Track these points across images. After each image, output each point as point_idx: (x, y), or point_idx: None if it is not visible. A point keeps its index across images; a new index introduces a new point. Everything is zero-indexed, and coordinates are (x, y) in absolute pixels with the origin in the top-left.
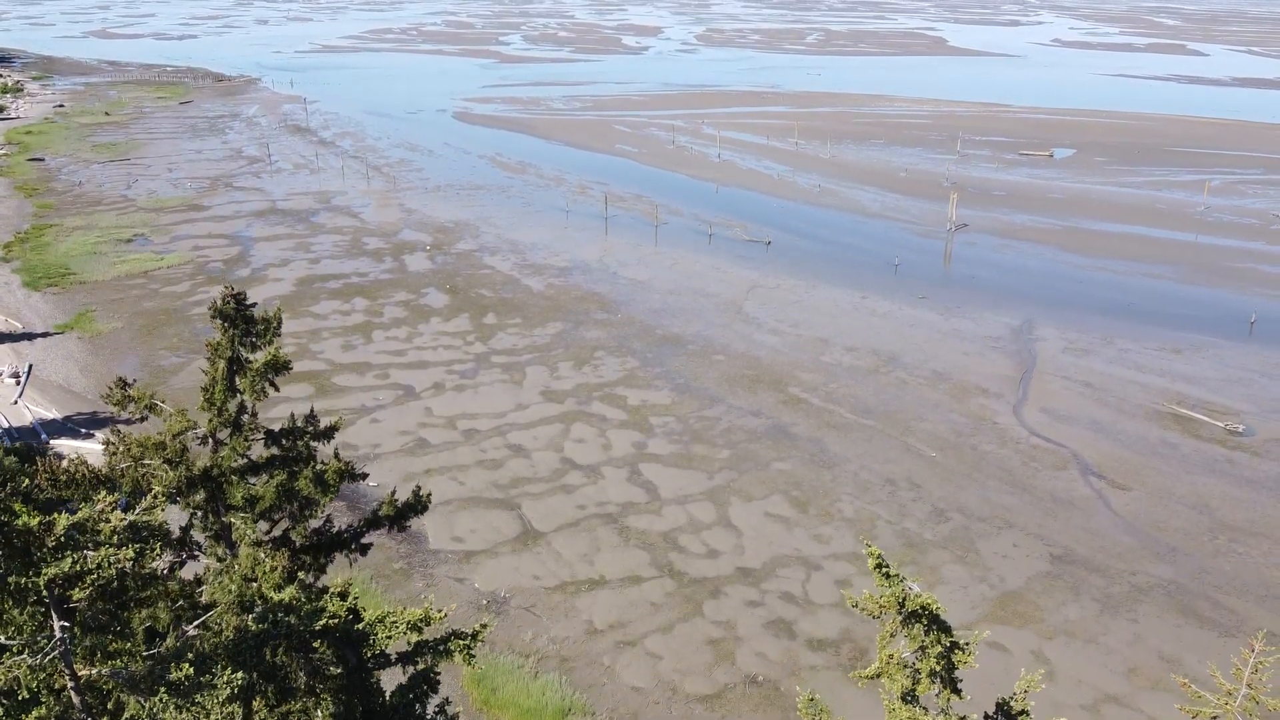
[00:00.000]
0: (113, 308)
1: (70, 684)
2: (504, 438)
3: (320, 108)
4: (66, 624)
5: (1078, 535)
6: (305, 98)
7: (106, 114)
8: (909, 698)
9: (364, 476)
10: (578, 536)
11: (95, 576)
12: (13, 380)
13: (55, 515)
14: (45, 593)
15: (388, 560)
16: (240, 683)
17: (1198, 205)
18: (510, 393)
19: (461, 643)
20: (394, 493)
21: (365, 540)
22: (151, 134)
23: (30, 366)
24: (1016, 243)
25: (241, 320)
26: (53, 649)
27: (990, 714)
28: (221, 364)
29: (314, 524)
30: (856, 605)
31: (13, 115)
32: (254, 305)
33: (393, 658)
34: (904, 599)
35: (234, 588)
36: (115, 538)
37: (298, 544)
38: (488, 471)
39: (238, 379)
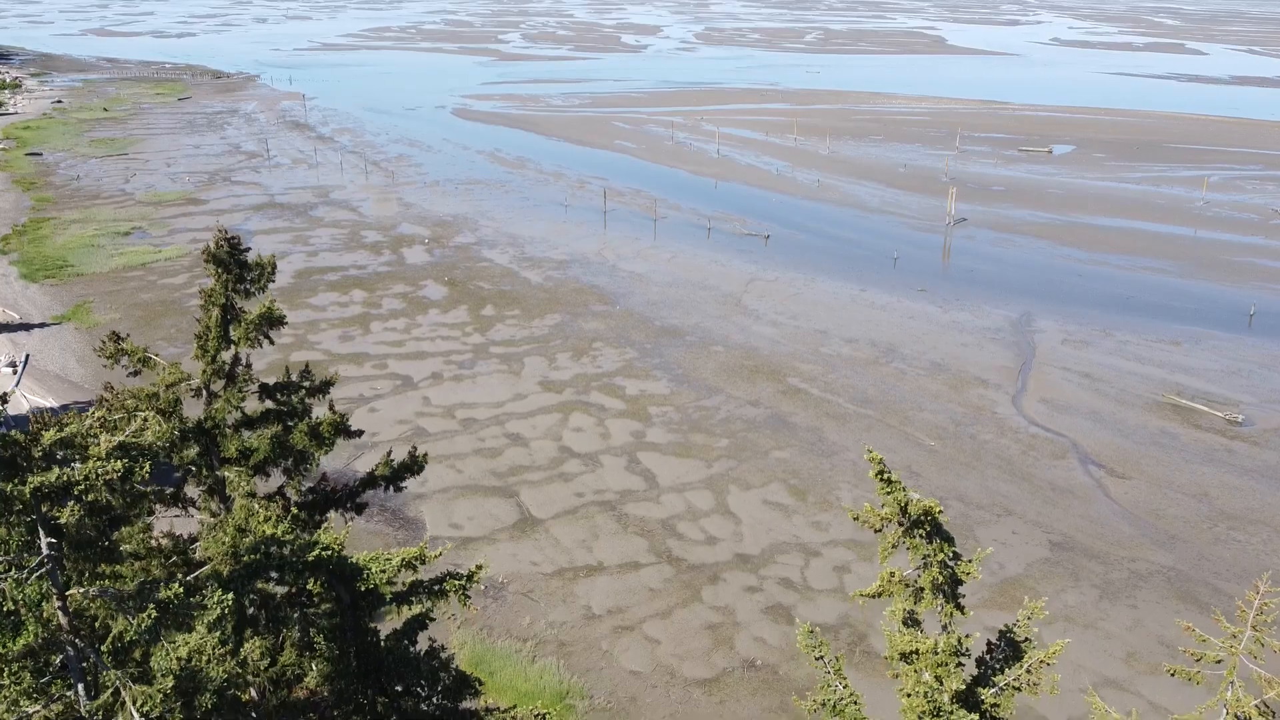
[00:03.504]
0: (110, 299)
1: (58, 604)
2: (502, 427)
3: (319, 104)
4: (54, 540)
5: (1077, 523)
6: (304, 95)
7: (105, 110)
8: (909, 621)
9: (359, 434)
10: (576, 524)
11: (83, 488)
12: (10, 370)
13: (42, 431)
14: (31, 501)
15: (385, 547)
16: (230, 604)
17: (1196, 201)
18: (508, 383)
19: (457, 583)
20: (390, 453)
21: (360, 500)
22: (150, 130)
23: (27, 356)
24: (1015, 237)
25: (236, 265)
26: (39, 566)
27: (993, 642)
28: (216, 311)
29: (309, 483)
30: (858, 518)
31: (11, 111)
32: (248, 250)
33: (387, 597)
34: (906, 504)
35: (227, 540)
36: (103, 454)
37: (293, 499)
38: (486, 460)
39: (232, 328)
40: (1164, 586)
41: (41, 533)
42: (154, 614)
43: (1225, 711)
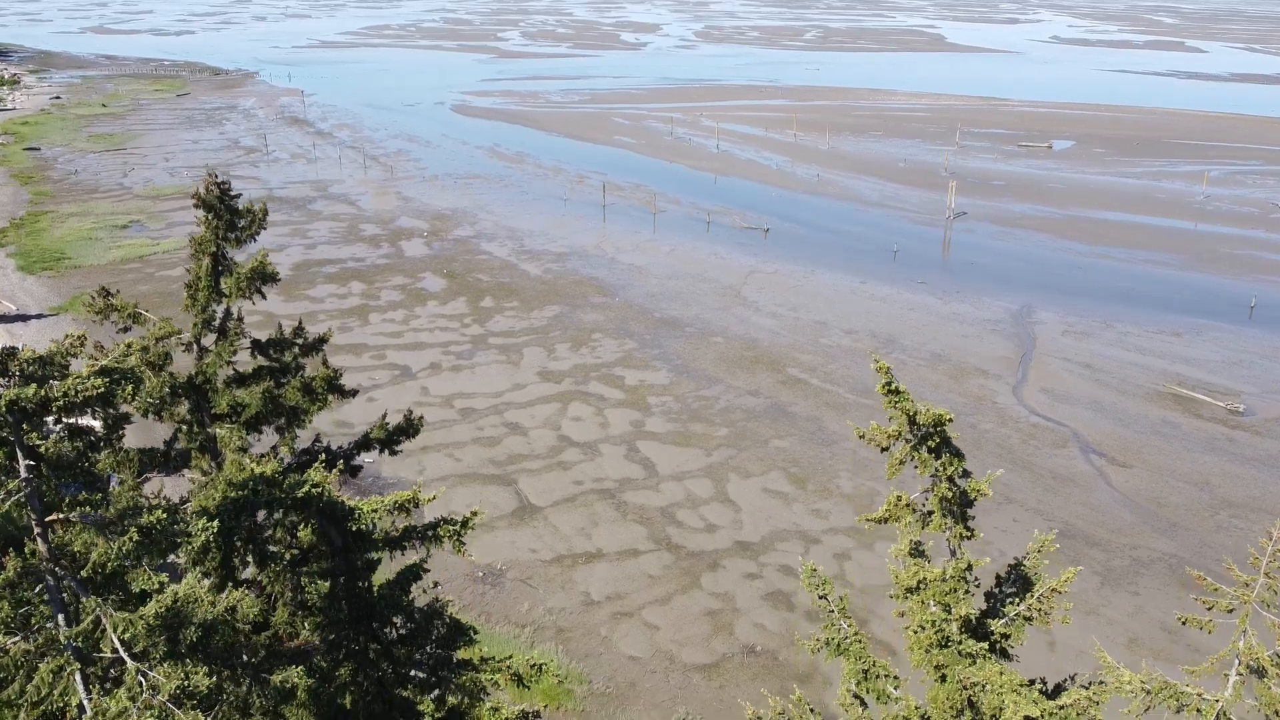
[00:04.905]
0: None
1: (37, 530)
2: (501, 416)
3: (318, 101)
4: (32, 463)
5: (1078, 511)
6: (303, 91)
7: (103, 106)
8: (916, 552)
9: (353, 394)
10: (575, 511)
11: (61, 404)
12: None
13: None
14: (7, 418)
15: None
16: (215, 530)
17: (1197, 195)
18: (507, 373)
19: (451, 528)
20: (384, 416)
21: (355, 463)
22: (148, 125)
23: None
24: (1015, 231)
25: (226, 211)
26: (18, 490)
27: (1002, 575)
28: (206, 260)
29: (302, 444)
30: (863, 436)
31: (9, 107)
32: (239, 196)
33: (380, 543)
34: (914, 414)
35: (218, 496)
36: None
37: (286, 459)
38: (484, 449)
39: (223, 280)
40: (1166, 573)
41: (20, 455)
42: (135, 537)
43: (1238, 662)
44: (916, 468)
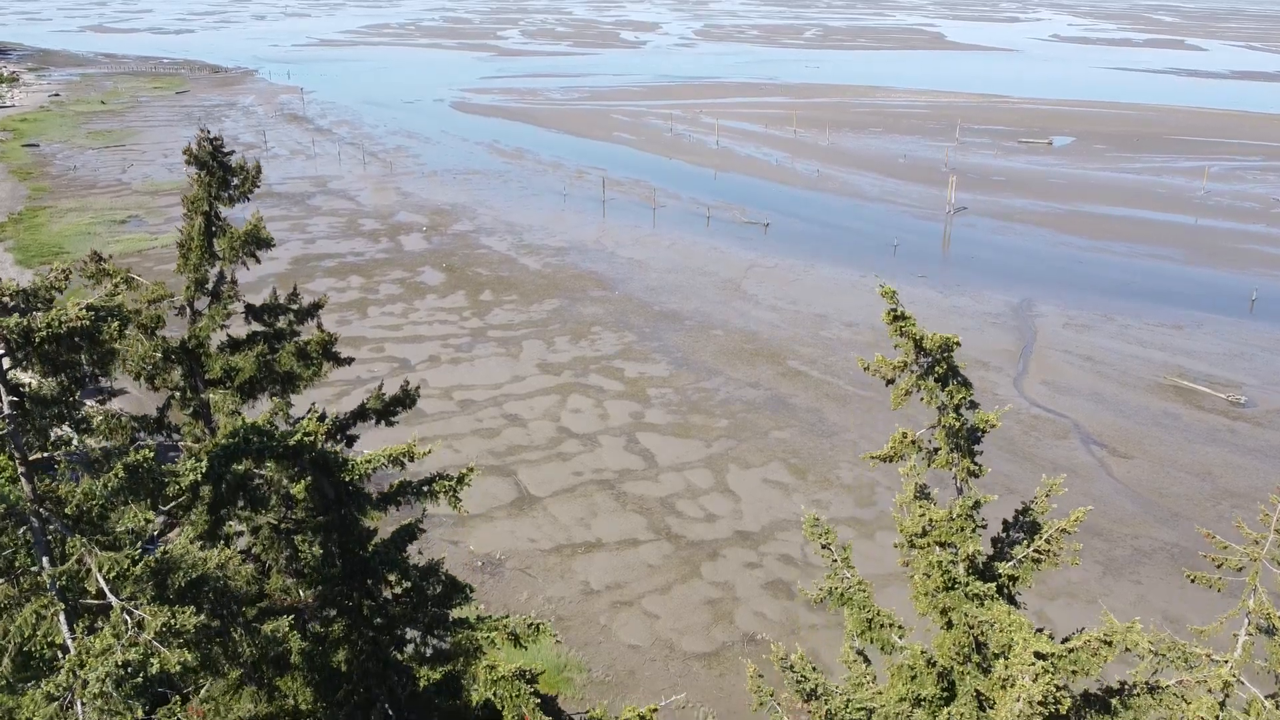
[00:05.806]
0: None
1: (20, 470)
2: (500, 408)
3: (317, 98)
4: (15, 399)
5: (1079, 501)
6: (302, 89)
7: (102, 103)
8: (922, 494)
9: (349, 361)
10: (574, 502)
11: (44, 335)
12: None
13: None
14: None
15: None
16: (203, 470)
17: (1197, 190)
18: (506, 365)
19: (447, 484)
20: (381, 386)
21: (351, 433)
22: (147, 122)
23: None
24: (1016, 225)
25: (219, 168)
26: (1, 428)
27: (1009, 521)
28: (199, 220)
29: (297, 416)
30: (868, 368)
31: (8, 104)
32: (232, 153)
33: (374, 498)
34: (921, 339)
35: (209, 447)
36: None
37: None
38: (484, 440)
39: (216, 241)
40: (1167, 563)
41: (2, 391)
42: (121, 474)
43: (1247, 621)
44: (922, 399)
